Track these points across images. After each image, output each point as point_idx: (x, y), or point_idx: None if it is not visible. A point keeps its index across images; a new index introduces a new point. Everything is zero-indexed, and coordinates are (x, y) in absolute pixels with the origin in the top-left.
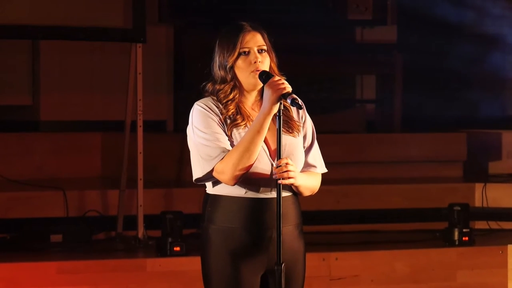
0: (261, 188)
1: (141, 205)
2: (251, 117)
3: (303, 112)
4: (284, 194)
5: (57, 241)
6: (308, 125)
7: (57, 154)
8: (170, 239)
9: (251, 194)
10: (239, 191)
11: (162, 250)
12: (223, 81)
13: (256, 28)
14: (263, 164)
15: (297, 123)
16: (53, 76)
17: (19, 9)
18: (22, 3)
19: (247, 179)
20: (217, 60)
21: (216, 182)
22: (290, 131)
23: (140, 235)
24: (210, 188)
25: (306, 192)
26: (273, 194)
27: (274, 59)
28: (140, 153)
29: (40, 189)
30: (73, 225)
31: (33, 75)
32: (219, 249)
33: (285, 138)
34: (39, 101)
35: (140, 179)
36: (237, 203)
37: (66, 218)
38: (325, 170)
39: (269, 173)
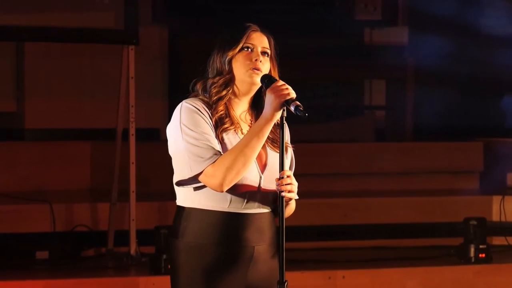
0: (246, 203)
1: (133, 220)
2: (239, 124)
3: (287, 133)
4: (264, 210)
5: (43, 258)
6: (290, 147)
7: (44, 164)
8: (164, 256)
9: (234, 208)
10: (221, 204)
11: (156, 268)
12: (219, 73)
13: (264, 31)
14: (252, 176)
15: (286, 143)
16: (39, 81)
17: (1, 9)
18: (5, 2)
19: (234, 190)
20: (215, 56)
21: (198, 188)
22: (277, 148)
23: (132, 251)
24: (185, 200)
25: (286, 213)
26: (258, 210)
27: (276, 68)
28: (133, 163)
29: (25, 202)
30: (60, 241)
31: (17, 79)
32: (192, 268)
33: (273, 155)
34: (24, 107)
35: (133, 192)
36: (216, 217)
37: (53, 233)
38: (297, 197)
39: (256, 186)
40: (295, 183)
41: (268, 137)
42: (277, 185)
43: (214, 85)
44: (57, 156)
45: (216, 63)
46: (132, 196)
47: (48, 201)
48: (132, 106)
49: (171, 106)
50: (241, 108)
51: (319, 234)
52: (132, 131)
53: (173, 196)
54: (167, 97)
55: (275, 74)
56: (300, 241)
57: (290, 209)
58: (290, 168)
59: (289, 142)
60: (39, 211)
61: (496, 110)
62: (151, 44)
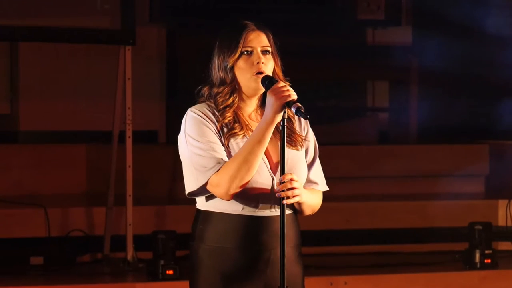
0: (260, 205)
1: (130, 224)
2: (249, 126)
3: (306, 124)
4: (285, 212)
5: (37, 263)
6: (310, 138)
7: (38, 167)
8: (162, 262)
9: (248, 211)
10: (235, 208)
11: (153, 274)
12: (222, 83)
13: (261, 28)
14: (263, 178)
15: (300, 136)
16: (34, 82)
17: None
18: None
19: (245, 194)
20: (216, 61)
21: (210, 197)
22: (293, 144)
23: (129, 257)
24: (202, 204)
25: (308, 211)
26: (273, 212)
27: (279, 63)
28: (129, 166)
29: (19, 206)
30: (55, 246)
31: (11, 80)
32: (211, 272)
33: (287, 151)
34: (18, 109)
35: (129, 196)
36: (232, 221)
37: (48, 239)
38: (327, 188)
39: (269, 188)
40: (299, 185)
41: None
42: (277, 190)
43: (219, 95)
44: (52, 159)
45: (218, 71)
46: (129, 200)
47: (42, 205)
48: (129, 108)
49: (169, 108)
50: (250, 108)
51: (321, 239)
52: (129, 133)
53: (170, 200)
54: (165, 98)
55: (279, 70)
56: (302, 246)
57: (309, 205)
58: (313, 161)
59: (309, 134)
60: (34, 215)
61: (502, 112)
62: (148, 44)
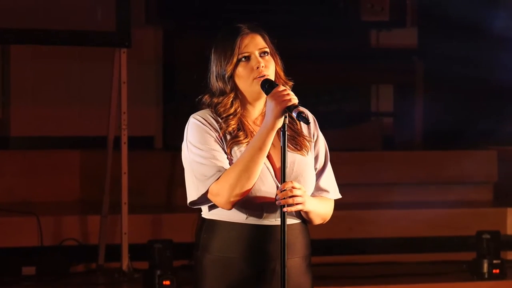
0: (265, 214)
1: (125, 233)
2: (254, 133)
3: (315, 129)
4: (292, 221)
5: (29, 274)
6: (320, 144)
7: (30, 174)
8: (158, 272)
9: (253, 220)
10: (239, 216)
11: (149, 284)
12: (222, 93)
13: (255, 29)
14: (267, 186)
15: (307, 139)
16: (26, 86)
17: None
18: None
19: (249, 202)
20: (213, 70)
21: (213, 206)
22: (298, 148)
23: (124, 267)
24: (206, 212)
25: (317, 220)
26: (279, 221)
27: (279, 63)
28: (125, 173)
29: (10, 214)
30: (48, 255)
31: (2, 84)
32: (216, 282)
33: (293, 156)
34: (9, 114)
35: (125, 203)
36: (236, 230)
37: (40, 248)
38: (339, 196)
39: (274, 196)
40: (302, 193)
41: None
42: (278, 199)
43: (220, 105)
44: (45, 165)
45: (217, 81)
46: (124, 208)
47: (35, 213)
48: (124, 113)
49: (166, 113)
50: (255, 113)
51: (323, 249)
52: (124, 139)
53: (167, 208)
54: (162, 103)
55: (279, 70)
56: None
57: (318, 214)
58: (324, 167)
59: (319, 139)
60: (25, 224)
61: (511, 117)
62: (144, 47)
